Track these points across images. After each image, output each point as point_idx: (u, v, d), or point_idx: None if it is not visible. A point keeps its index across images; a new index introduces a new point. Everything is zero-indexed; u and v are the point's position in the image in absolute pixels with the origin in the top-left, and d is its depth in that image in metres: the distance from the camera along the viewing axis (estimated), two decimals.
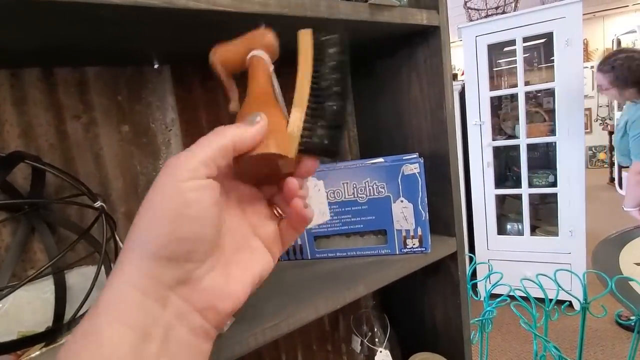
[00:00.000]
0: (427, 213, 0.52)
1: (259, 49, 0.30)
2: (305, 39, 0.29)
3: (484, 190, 2.10)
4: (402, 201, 0.51)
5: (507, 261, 2.09)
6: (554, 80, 1.87)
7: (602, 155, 5.29)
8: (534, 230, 2.13)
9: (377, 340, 0.68)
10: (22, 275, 0.44)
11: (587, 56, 5.35)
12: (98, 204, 0.40)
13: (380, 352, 0.64)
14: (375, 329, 0.69)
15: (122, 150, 0.50)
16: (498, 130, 2.21)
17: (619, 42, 4.37)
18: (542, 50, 2.21)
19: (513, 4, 2.07)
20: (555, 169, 1.95)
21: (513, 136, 2.13)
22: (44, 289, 0.43)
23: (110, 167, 0.50)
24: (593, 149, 5.34)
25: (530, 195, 2.04)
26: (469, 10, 2.13)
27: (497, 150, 2.13)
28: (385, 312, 0.73)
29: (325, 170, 0.53)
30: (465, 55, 2.00)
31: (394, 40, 0.56)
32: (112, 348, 0.19)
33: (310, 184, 0.52)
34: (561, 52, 1.81)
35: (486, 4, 2.09)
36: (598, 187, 4.40)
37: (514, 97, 2.13)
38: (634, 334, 1.04)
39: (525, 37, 1.89)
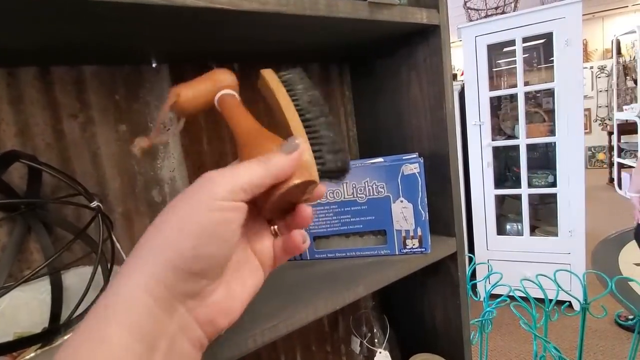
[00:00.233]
0: (427, 213, 0.51)
1: (225, 89, 0.30)
2: (270, 77, 0.30)
3: (483, 191, 2.09)
4: (401, 201, 0.51)
5: (506, 261, 2.09)
6: (553, 81, 1.87)
7: (601, 156, 5.29)
8: (533, 230, 2.13)
9: (376, 341, 0.67)
10: (18, 276, 0.44)
11: (586, 56, 5.36)
12: (94, 204, 0.39)
13: (380, 353, 0.64)
14: (375, 330, 0.68)
15: (120, 150, 0.50)
16: (497, 131, 2.21)
17: (618, 43, 4.37)
18: (541, 51, 2.21)
19: (513, 4, 2.07)
20: (555, 169, 1.95)
21: (513, 136, 2.13)
22: (40, 290, 0.42)
23: (108, 167, 0.49)
24: (592, 149, 5.35)
25: (529, 195, 2.04)
26: (469, 10, 2.13)
27: (496, 151, 2.13)
28: (384, 313, 0.72)
29: None
30: (464, 55, 1.99)
31: (394, 39, 0.56)
32: (119, 356, 0.18)
33: None
34: (561, 52, 1.81)
35: (486, 4, 2.09)
36: (597, 188, 4.41)
37: (513, 98, 2.13)
38: (634, 334, 1.04)
39: (525, 37, 1.89)
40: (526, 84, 1.97)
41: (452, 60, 0.54)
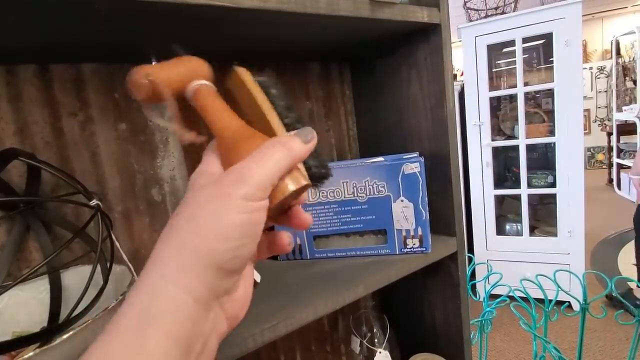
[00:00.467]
0: (428, 213, 0.51)
1: (201, 79, 0.27)
2: (247, 78, 0.27)
3: (483, 191, 2.09)
4: (402, 200, 0.51)
5: (506, 262, 2.09)
6: (553, 81, 1.87)
7: (600, 156, 5.30)
8: (532, 230, 2.13)
9: (376, 341, 0.67)
10: (17, 275, 0.44)
11: (586, 57, 5.36)
12: (94, 202, 0.39)
13: (380, 352, 0.64)
14: (375, 330, 0.68)
15: (119, 148, 0.50)
16: (497, 131, 2.21)
17: (617, 44, 4.38)
18: (541, 51, 2.21)
19: (513, 5, 2.07)
20: (554, 170, 1.95)
21: (512, 137, 2.13)
22: (40, 289, 0.42)
23: (107, 165, 0.49)
24: (592, 149, 5.36)
25: (529, 195, 2.04)
26: (469, 10, 2.13)
27: (496, 151, 2.13)
28: (384, 313, 0.72)
29: None
30: (464, 55, 1.99)
31: (394, 38, 0.56)
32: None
33: None
34: (560, 52, 1.81)
35: (486, 4, 2.09)
36: (596, 188, 4.41)
37: (513, 98, 2.13)
38: (634, 334, 1.04)
39: (525, 37, 1.89)
40: (526, 84, 1.98)
41: (452, 60, 0.54)
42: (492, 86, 2.09)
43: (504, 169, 2.34)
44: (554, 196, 1.98)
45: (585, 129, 4.76)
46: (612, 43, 4.40)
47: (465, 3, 2.14)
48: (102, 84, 0.48)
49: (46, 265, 0.42)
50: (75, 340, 0.31)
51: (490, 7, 2.08)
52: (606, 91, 5.26)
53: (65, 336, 0.37)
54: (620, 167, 4.02)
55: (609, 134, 4.34)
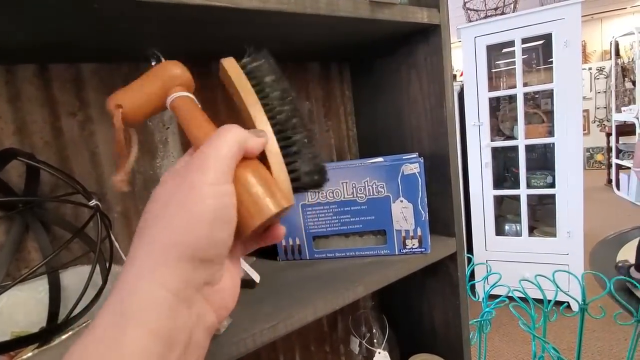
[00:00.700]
0: (427, 213, 0.51)
1: (178, 89, 0.26)
2: (233, 70, 0.26)
3: (482, 191, 2.10)
4: (401, 201, 0.51)
5: (505, 262, 2.09)
6: (552, 82, 1.87)
7: (599, 157, 5.31)
8: (531, 231, 2.13)
9: (375, 341, 0.67)
10: (16, 275, 0.44)
11: (585, 58, 5.37)
12: (93, 202, 0.39)
13: (379, 353, 0.64)
14: (374, 330, 0.68)
15: None
16: (496, 131, 2.21)
17: (617, 44, 4.38)
18: (540, 52, 2.21)
19: (512, 5, 2.07)
20: (554, 170, 1.95)
21: (511, 137, 2.13)
22: (38, 289, 0.42)
23: (106, 165, 0.49)
24: (591, 150, 5.36)
25: (528, 196, 2.04)
26: (468, 11, 2.13)
27: (495, 151, 2.13)
28: (384, 313, 0.72)
29: None
30: (464, 56, 2.00)
31: (394, 39, 0.56)
32: (134, 358, 0.18)
33: None
34: (560, 53, 1.81)
35: (485, 5, 2.09)
36: (595, 189, 4.42)
37: (512, 98, 2.13)
38: (632, 335, 1.04)
39: (524, 38, 1.89)
40: (525, 84, 1.98)
41: (452, 61, 0.54)
42: (492, 87, 2.09)
43: (503, 169, 2.34)
44: (553, 197, 1.98)
45: (584, 130, 4.76)
46: (611, 44, 4.40)
47: (464, 3, 2.14)
48: (101, 83, 0.48)
49: (45, 266, 0.42)
50: (74, 340, 0.31)
51: (490, 7, 2.09)
52: (605, 92, 5.27)
53: (64, 336, 0.37)
54: (620, 167, 4.02)
55: (608, 135, 4.35)
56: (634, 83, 4.11)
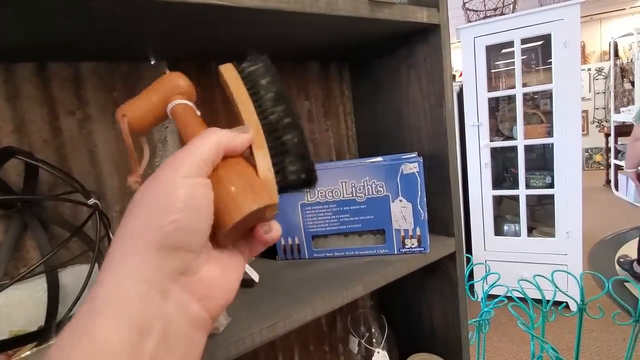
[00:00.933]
0: (426, 213, 0.51)
1: (178, 97, 0.28)
2: (229, 74, 0.27)
3: (481, 191, 2.10)
4: (400, 200, 0.51)
5: (504, 262, 2.10)
6: (551, 82, 1.88)
7: (598, 157, 5.32)
8: (530, 231, 2.13)
9: (374, 340, 0.67)
10: (14, 274, 0.44)
11: (584, 59, 5.38)
12: (92, 201, 0.39)
13: (378, 352, 0.64)
14: (373, 330, 0.68)
15: (118, 147, 0.50)
16: (496, 132, 2.22)
17: (615, 45, 4.39)
18: (539, 52, 2.22)
19: (511, 6, 2.08)
20: (552, 171, 1.96)
21: (511, 137, 2.14)
22: (37, 288, 0.42)
23: (105, 164, 0.49)
24: (589, 150, 5.38)
25: (527, 196, 2.04)
26: (468, 11, 2.14)
27: (494, 152, 2.13)
28: (383, 313, 0.72)
29: (322, 169, 0.52)
30: (463, 56, 2.00)
31: (394, 38, 0.56)
32: (108, 345, 0.18)
33: None
34: (559, 54, 1.81)
35: (485, 5, 2.10)
36: (594, 189, 4.42)
37: (511, 99, 2.13)
38: (631, 335, 1.04)
39: (524, 38, 1.89)
40: (524, 85, 1.98)
41: (451, 61, 0.54)
42: (491, 87, 2.09)
43: (502, 169, 2.34)
44: (551, 197, 1.99)
45: (583, 130, 4.76)
46: (610, 45, 4.42)
47: (464, 4, 2.14)
48: (100, 82, 0.48)
49: (43, 264, 0.42)
50: None
51: (489, 8, 2.09)
52: (604, 92, 5.28)
53: (62, 332, 0.36)
54: (618, 168, 4.03)
55: (607, 135, 4.36)
56: (632, 84, 4.12)
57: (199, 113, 0.29)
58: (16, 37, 0.35)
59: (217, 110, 0.58)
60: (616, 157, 4.04)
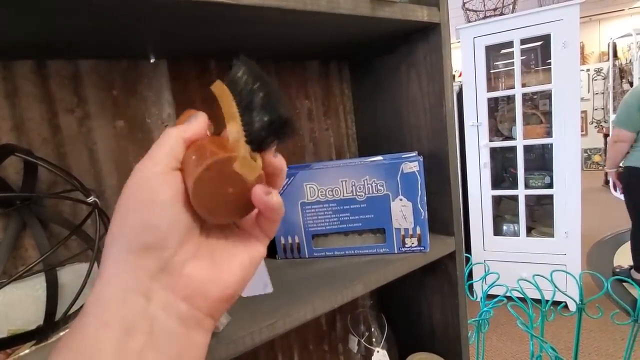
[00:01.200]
0: (426, 212, 0.51)
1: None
2: (219, 91, 0.26)
3: (480, 191, 2.10)
4: (401, 199, 0.51)
5: (503, 262, 2.10)
6: (550, 83, 1.88)
7: (597, 158, 5.33)
8: (529, 231, 2.14)
9: (374, 340, 0.67)
10: (13, 273, 0.43)
11: (583, 59, 5.40)
12: (91, 199, 0.39)
13: (378, 352, 0.64)
14: (373, 329, 0.68)
15: (117, 145, 0.49)
16: (495, 132, 2.22)
17: (614, 46, 4.40)
18: (539, 53, 2.22)
19: (511, 6, 2.08)
20: (551, 171, 1.96)
21: (510, 137, 2.14)
22: (35, 287, 0.42)
23: (105, 162, 0.49)
24: (588, 151, 5.39)
25: (526, 196, 2.05)
26: (467, 11, 2.14)
27: (493, 152, 2.13)
28: (382, 312, 0.72)
29: (323, 168, 0.52)
30: (463, 56, 2.00)
31: (394, 37, 0.56)
32: (93, 346, 0.19)
33: None
34: (558, 54, 1.82)
35: (484, 5, 2.10)
36: (593, 190, 4.43)
37: (510, 99, 2.14)
38: (629, 335, 1.05)
39: (523, 39, 1.89)
40: (524, 85, 1.98)
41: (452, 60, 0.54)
42: (490, 87, 2.09)
43: (502, 169, 2.34)
44: (550, 197, 1.99)
45: (582, 131, 4.78)
46: (609, 45, 4.42)
47: (464, 4, 2.14)
48: (100, 80, 0.48)
49: (42, 263, 0.41)
50: None
51: (489, 8, 2.09)
52: (603, 93, 5.30)
53: (61, 334, 0.36)
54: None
55: (606, 136, 4.37)
56: (631, 84, 4.13)
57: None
58: (15, 34, 0.35)
59: (217, 110, 0.58)
60: None
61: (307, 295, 0.43)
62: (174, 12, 0.34)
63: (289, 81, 0.65)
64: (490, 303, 1.11)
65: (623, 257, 2.56)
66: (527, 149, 2.08)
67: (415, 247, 0.52)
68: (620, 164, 2.07)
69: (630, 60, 4.18)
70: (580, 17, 1.76)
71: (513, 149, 2.05)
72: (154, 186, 0.22)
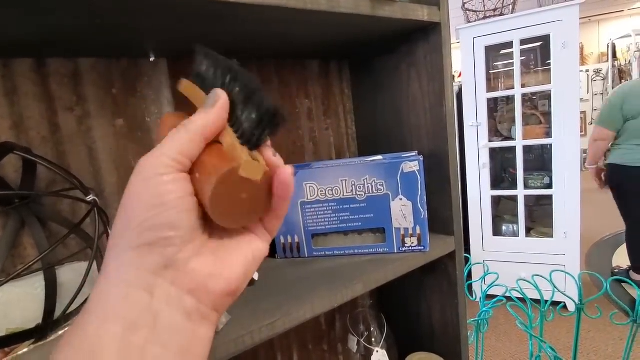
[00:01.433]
0: (426, 211, 0.51)
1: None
2: (185, 89, 0.26)
3: (480, 192, 2.10)
4: (401, 199, 0.51)
5: (502, 262, 2.10)
6: (550, 83, 1.88)
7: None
8: (528, 231, 2.14)
9: (373, 339, 0.67)
10: (11, 272, 0.43)
11: (582, 60, 5.41)
12: (90, 198, 0.39)
13: (377, 351, 0.64)
14: (372, 329, 0.68)
15: (117, 144, 0.49)
16: (494, 132, 2.22)
17: (614, 47, 4.41)
18: (538, 53, 2.22)
19: (511, 7, 2.08)
20: (551, 171, 1.96)
21: (509, 138, 2.14)
22: (34, 285, 0.42)
23: (104, 161, 0.49)
24: (587, 152, 5.39)
25: (525, 196, 2.05)
26: (467, 11, 2.14)
27: (493, 152, 2.13)
28: (382, 312, 0.72)
29: (322, 168, 0.52)
30: (462, 56, 2.00)
31: (394, 36, 0.56)
32: (95, 342, 0.19)
33: None
34: (557, 54, 1.82)
35: (484, 5, 2.10)
36: (592, 190, 4.43)
37: (510, 99, 2.14)
38: (628, 335, 1.05)
39: (523, 39, 1.90)
40: (523, 86, 1.98)
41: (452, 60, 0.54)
42: (490, 87, 2.09)
43: (501, 170, 2.35)
44: (550, 197, 1.99)
45: (581, 131, 4.78)
46: (608, 46, 4.43)
47: (464, 4, 2.14)
48: (99, 78, 0.48)
49: (41, 262, 0.41)
50: None
51: (489, 8, 2.09)
52: (602, 94, 5.30)
53: (60, 333, 0.36)
54: None
55: None
56: None
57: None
58: (15, 33, 0.35)
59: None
60: None
61: (306, 294, 0.43)
62: (173, 10, 0.34)
63: (289, 80, 0.65)
64: (490, 303, 1.11)
65: (622, 258, 2.56)
66: (527, 149, 2.08)
67: (415, 246, 0.52)
68: (602, 162, 2.14)
69: (630, 61, 4.19)
70: (580, 18, 1.77)
71: (512, 150, 2.05)
72: (162, 185, 0.21)
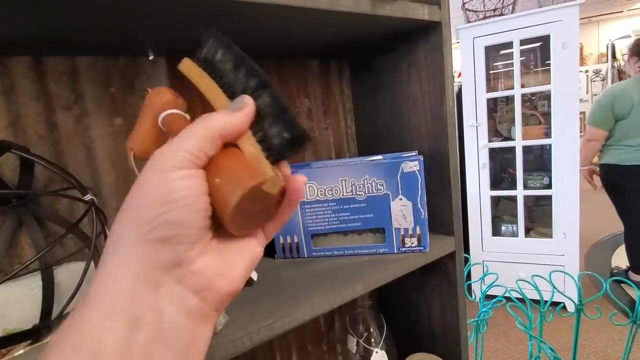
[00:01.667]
0: (426, 212, 0.51)
1: (164, 110, 0.28)
2: (189, 70, 0.26)
3: (479, 192, 2.10)
4: (401, 199, 0.51)
5: (501, 262, 2.10)
6: (549, 83, 1.88)
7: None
8: (528, 232, 2.14)
9: (373, 340, 0.67)
10: (8, 271, 0.43)
11: (581, 60, 5.41)
12: (88, 197, 0.38)
13: (377, 352, 0.63)
14: (372, 329, 0.68)
15: (115, 143, 0.49)
16: (494, 132, 2.22)
17: (613, 47, 4.42)
18: (538, 53, 2.22)
19: (511, 7, 2.08)
20: (550, 172, 1.96)
21: (509, 138, 2.14)
22: (31, 285, 0.41)
23: (102, 160, 0.48)
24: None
25: (524, 197, 2.05)
26: (467, 11, 2.14)
27: (492, 152, 2.13)
28: (381, 312, 0.72)
29: (322, 167, 0.52)
30: (462, 56, 2.00)
31: (394, 35, 0.55)
32: (96, 337, 0.18)
33: None
34: (557, 55, 1.82)
35: (484, 5, 2.10)
36: (591, 191, 4.43)
37: (510, 100, 2.14)
38: (628, 335, 1.05)
39: (522, 39, 1.90)
40: (523, 86, 1.98)
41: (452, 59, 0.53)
42: (490, 87, 2.09)
43: (500, 170, 2.35)
44: (549, 198, 1.99)
45: (580, 132, 4.79)
46: (607, 47, 4.43)
47: (463, 4, 2.14)
48: (98, 77, 0.47)
49: (38, 261, 0.41)
50: None
51: (489, 8, 2.09)
52: None
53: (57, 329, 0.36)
54: None
55: None
56: None
57: (188, 117, 0.28)
58: (13, 30, 0.35)
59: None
60: None
61: (306, 295, 0.43)
62: (172, 9, 0.34)
63: (289, 79, 0.65)
64: (489, 303, 1.11)
65: (621, 258, 2.56)
66: (526, 149, 2.08)
67: (415, 247, 0.52)
68: (595, 164, 2.19)
69: None
70: (580, 18, 1.77)
71: (512, 150, 2.05)
72: (178, 180, 0.21)
